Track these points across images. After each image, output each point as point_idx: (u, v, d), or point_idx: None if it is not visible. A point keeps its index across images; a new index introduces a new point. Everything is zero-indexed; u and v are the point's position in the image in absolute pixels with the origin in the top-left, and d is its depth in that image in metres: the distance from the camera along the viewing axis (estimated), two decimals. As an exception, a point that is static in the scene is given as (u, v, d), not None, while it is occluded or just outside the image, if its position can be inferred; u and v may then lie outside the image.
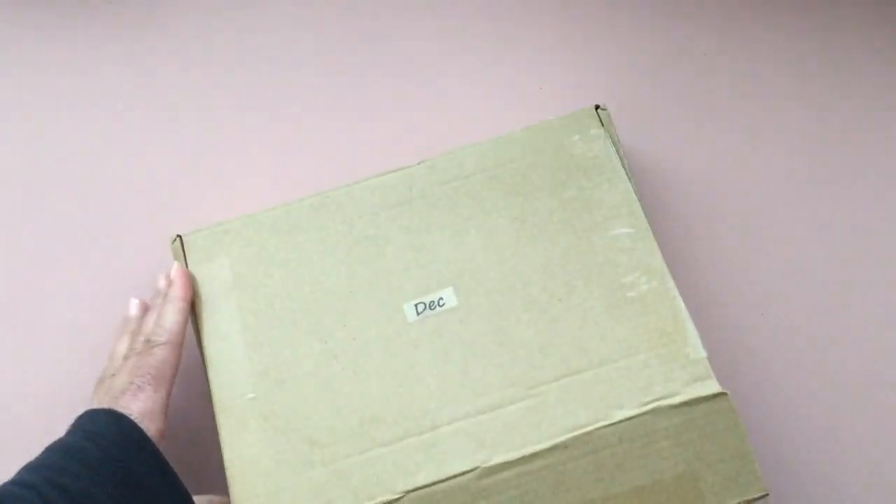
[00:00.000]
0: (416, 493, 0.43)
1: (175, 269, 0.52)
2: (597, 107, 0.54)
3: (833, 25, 0.61)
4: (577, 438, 0.43)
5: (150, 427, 0.45)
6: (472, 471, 0.43)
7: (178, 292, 0.51)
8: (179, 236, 0.54)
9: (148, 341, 0.50)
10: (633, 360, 0.46)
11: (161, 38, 0.64)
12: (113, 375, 0.49)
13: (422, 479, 0.44)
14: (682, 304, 0.47)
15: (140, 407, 0.46)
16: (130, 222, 0.61)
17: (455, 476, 0.43)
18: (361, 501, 0.44)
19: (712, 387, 0.44)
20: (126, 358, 0.50)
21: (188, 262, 0.52)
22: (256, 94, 0.63)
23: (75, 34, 0.64)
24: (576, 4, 0.62)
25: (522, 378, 0.46)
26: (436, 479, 0.43)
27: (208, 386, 0.49)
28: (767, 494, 0.43)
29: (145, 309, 0.54)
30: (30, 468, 0.42)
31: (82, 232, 0.61)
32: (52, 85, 0.64)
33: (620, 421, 0.44)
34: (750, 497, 0.43)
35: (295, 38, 0.63)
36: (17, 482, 0.41)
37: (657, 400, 0.44)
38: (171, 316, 0.50)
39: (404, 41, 0.62)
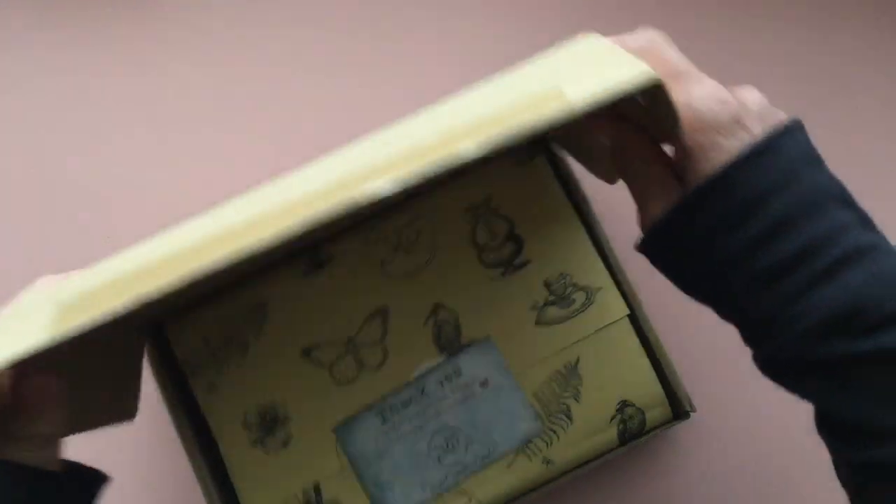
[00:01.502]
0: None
1: None
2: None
3: (834, 24, 0.62)
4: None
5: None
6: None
7: None
8: None
9: None
10: None
11: (161, 36, 0.64)
12: None
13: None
14: None
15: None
16: (130, 223, 0.60)
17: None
18: None
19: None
20: None
21: None
22: (257, 96, 0.62)
23: (75, 32, 0.64)
24: (575, 4, 0.62)
25: None
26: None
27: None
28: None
29: None
30: None
31: (80, 232, 0.61)
32: (50, 83, 0.63)
33: None
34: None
35: (294, 37, 0.63)
36: None
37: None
38: None
39: (402, 43, 0.62)
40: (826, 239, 0.32)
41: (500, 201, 0.53)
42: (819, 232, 0.32)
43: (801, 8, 0.62)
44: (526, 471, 0.51)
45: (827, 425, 0.36)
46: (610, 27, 0.62)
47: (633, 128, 0.38)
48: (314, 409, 0.51)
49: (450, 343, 0.51)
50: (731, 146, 0.34)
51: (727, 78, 0.38)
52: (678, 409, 0.52)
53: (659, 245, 0.37)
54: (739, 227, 0.34)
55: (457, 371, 0.51)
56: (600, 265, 0.52)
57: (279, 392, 0.51)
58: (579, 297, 0.52)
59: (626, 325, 0.52)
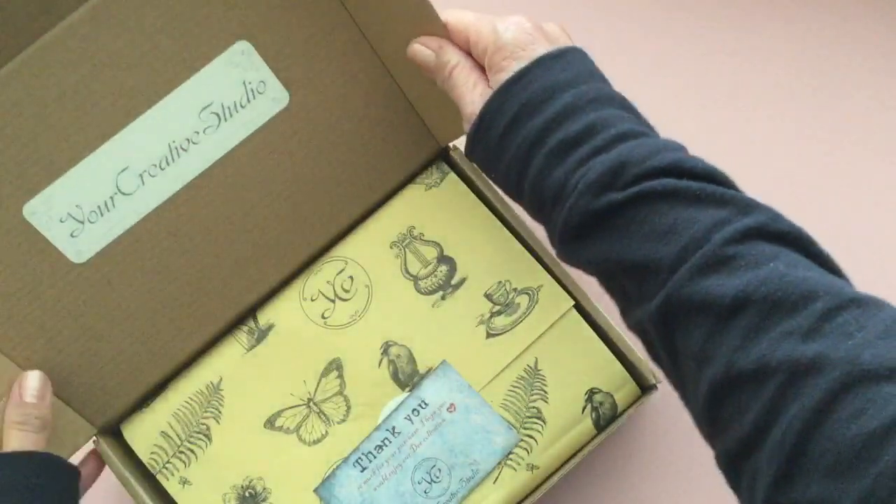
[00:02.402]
0: None
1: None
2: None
3: (837, 25, 0.63)
4: None
5: None
6: None
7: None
8: None
9: None
10: None
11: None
12: None
13: None
14: None
15: None
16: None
17: None
18: None
19: None
20: None
21: None
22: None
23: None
24: (575, 5, 0.63)
25: None
26: None
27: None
28: None
29: None
30: None
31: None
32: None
33: None
34: None
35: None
36: None
37: None
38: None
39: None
40: (605, 122, 0.40)
41: (422, 228, 0.53)
42: (599, 118, 0.40)
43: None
44: (513, 482, 0.51)
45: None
46: (607, 25, 0.63)
47: (453, 45, 0.46)
48: (291, 476, 0.50)
49: (408, 377, 0.51)
50: (530, 55, 0.42)
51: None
52: (644, 384, 0.52)
53: (477, 138, 0.44)
54: (537, 112, 0.41)
55: (422, 403, 0.51)
56: (535, 264, 0.53)
57: (252, 468, 0.50)
58: (523, 301, 0.52)
59: (575, 316, 0.52)
